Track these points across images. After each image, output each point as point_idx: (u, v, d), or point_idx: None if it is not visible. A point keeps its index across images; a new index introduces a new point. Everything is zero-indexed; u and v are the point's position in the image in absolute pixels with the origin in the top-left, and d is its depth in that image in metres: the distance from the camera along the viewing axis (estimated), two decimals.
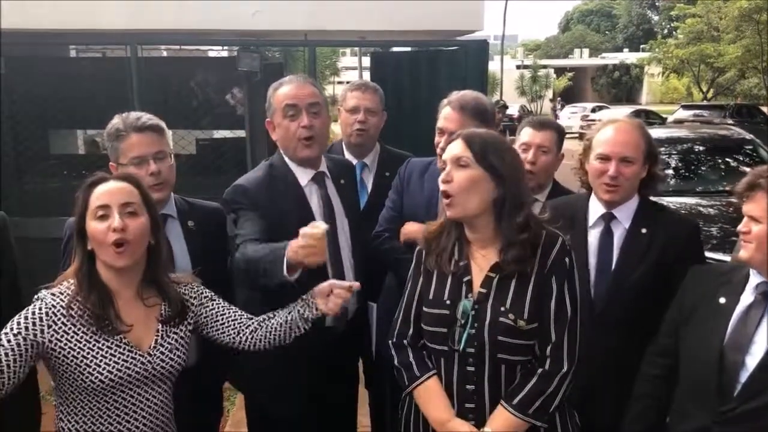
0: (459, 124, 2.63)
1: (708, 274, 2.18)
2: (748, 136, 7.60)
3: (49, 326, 1.82)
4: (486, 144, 1.99)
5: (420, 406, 2.09)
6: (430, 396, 2.06)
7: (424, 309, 2.10)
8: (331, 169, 2.67)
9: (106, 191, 1.89)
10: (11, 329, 1.78)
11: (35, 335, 1.80)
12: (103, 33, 6.67)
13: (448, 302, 2.03)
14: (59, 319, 1.84)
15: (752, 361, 1.89)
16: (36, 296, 1.88)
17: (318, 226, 2.04)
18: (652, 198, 2.56)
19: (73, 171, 5.87)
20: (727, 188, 6.02)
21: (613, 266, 2.41)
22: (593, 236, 2.47)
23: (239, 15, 6.76)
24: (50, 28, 6.30)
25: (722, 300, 2.02)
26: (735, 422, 1.89)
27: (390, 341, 2.20)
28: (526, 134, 3.01)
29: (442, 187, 2.01)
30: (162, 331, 1.98)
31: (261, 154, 5.55)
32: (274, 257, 2.10)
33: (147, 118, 2.42)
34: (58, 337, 1.83)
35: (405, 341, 2.15)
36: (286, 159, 2.57)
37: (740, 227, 1.98)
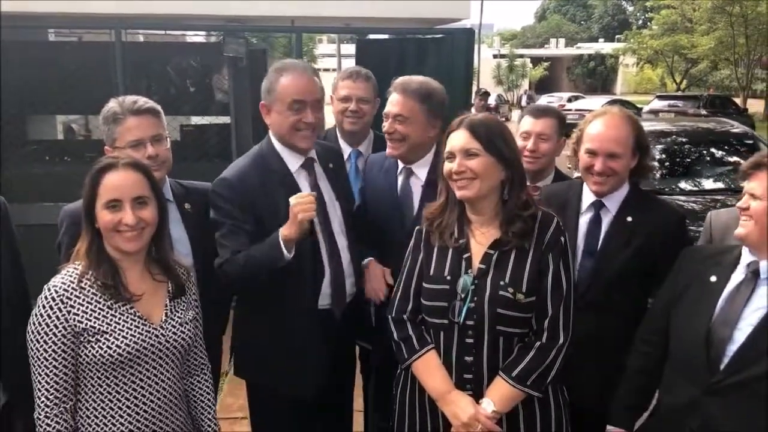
0: (401, 107, 2.66)
1: (699, 254, 2.26)
2: (747, 129, 7.46)
3: (69, 311, 1.88)
4: (490, 130, 2.10)
5: (419, 378, 2.17)
6: (430, 368, 2.14)
7: (425, 285, 2.19)
8: (320, 153, 2.68)
9: (119, 185, 1.93)
10: (50, 353, 1.88)
11: (67, 325, 1.88)
12: (86, 17, 6.57)
13: (448, 278, 2.13)
14: (72, 299, 1.89)
15: (740, 335, 1.97)
16: (40, 296, 1.93)
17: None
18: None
19: (55, 157, 5.82)
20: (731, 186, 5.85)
21: (597, 251, 2.50)
22: (583, 221, 2.56)
23: (225, 0, 6.70)
24: (31, 12, 6.18)
25: (713, 278, 2.10)
26: (722, 393, 1.97)
27: (389, 316, 2.27)
28: (527, 123, 3.07)
29: (454, 177, 2.10)
30: (170, 306, 2.06)
31: (245, 140, 5.53)
32: (270, 247, 2.27)
33: (144, 101, 2.43)
34: (75, 311, 1.89)
35: (404, 316, 2.23)
36: (276, 144, 2.55)
37: (740, 203, 2.05)
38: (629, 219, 2.48)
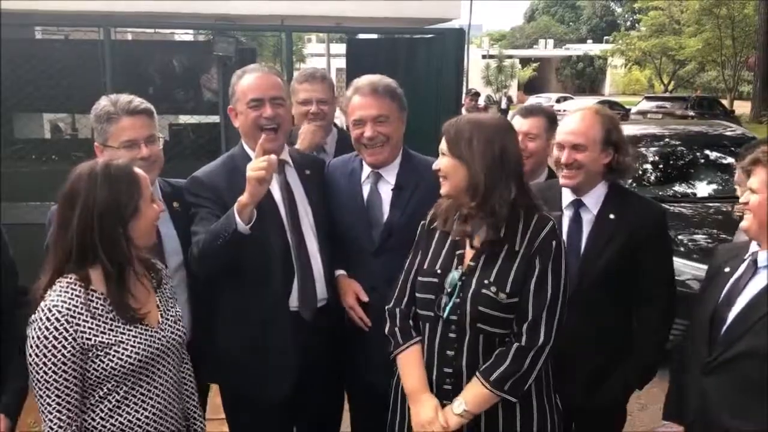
0: (379, 108, 2.55)
1: (721, 251, 2.44)
2: (745, 131, 7.30)
3: (75, 330, 1.83)
4: (458, 133, 2.09)
5: (400, 373, 2.22)
6: (409, 366, 2.19)
7: (419, 278, 2.22)
8: (296, 159, 2.66)
9: (147, 180, 1.99)
10: (60, 374, 1.81)
11: (75, 344, 1.83)
12: (75, 15, 6.52)
13: (438, 271, 2.16)
14: (76, 317, 1.85)
15: (732, 316, 2.11)
16: (37, 317, 1.85)
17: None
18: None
19: (42, 155, 5.76)
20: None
21: (582, 250, 2.51)
22: (565, 220, 2.57)
23: None
24: (18, 9, 6.12)
25: (727, 269, 2.24)
26: (716, 372, 2.08)
27: (386, 307, 2.31)
28: (516, 123, 3.09)
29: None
30: (162, 306, 2.05)
31: (235, 139, 5.47)
32: (226, 216, 2.27)
33: (138, 101, 2.41)
34: (82, 328, 1.85)
35: (397, 309, 2.27)
36: (246, 148, 2.56)
37: (742, 199, 2.18)
38: (612, 216, 2.50)
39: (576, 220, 2.55)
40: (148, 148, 2.38)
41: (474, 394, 2.05)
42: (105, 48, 4.82)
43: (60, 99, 5.42)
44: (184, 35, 8.13)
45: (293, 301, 2.52)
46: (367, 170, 2.66)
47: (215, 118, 5.97)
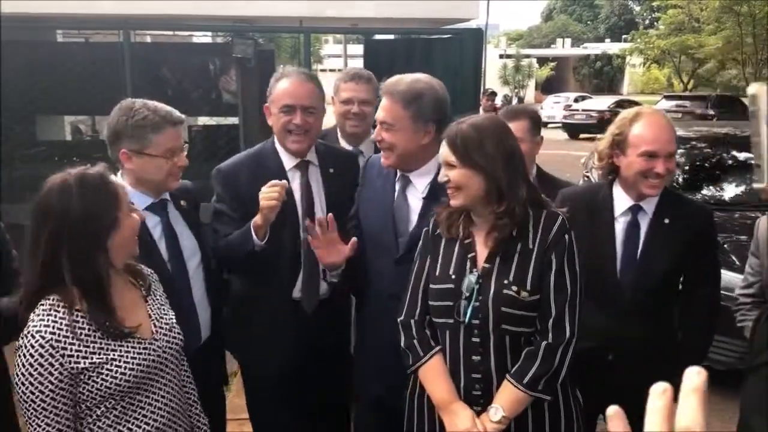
0: (386, 112, 2.43)
1: None
2: None
3: (62, 355, 1.73)
4: (467, 142, 2.05)
5: (424, 385, 2.17)
6: (434, 377, 2.14)
7: (431, 285, 2.18)
8: (324, 156, 2.73)
9: (125, 189, 1.93)
10: (48, 401, 1.71)
11: (63, 370, 1.74)
12: (95, 18, 6.59)
13: (453, 277, 2.12)
14: (62, 341, 1.75)
15: None
16: (22, 344, 1.75)
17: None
18: None
19: (64, 157, 5.83)
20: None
21: (639, 256, 2.46)
22: (620, 227, 2.51)
23: (233, 0, 6.70)
24: (40, 13, 6.20)
25: None
26: (755, 373, 2.07)
27: (398, 320, 2.26)
28: None
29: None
30: (154, 315, 1.97)
31: (254, 141, 5.52)
32: (243, 234, 2.48)
33: (177, 113, 2.44)
34: (69, 352, 1.75)
35: (412, 321, 2.22)
36: (277, 145, 2.69)
37: None
38: (666, 221, 2.45)
39: (633, 225, 2.49)
40: (182, 156, 2.44)
41: (509, 399, 2.02)
42: (124, 50, 4.88)
43: (80, 101, 5.49)
44: (203, 37, 8.20)
45: (296, 292, 2.67)
46: (399, 172, 2.55)
47: (234, 120, 6.00)
